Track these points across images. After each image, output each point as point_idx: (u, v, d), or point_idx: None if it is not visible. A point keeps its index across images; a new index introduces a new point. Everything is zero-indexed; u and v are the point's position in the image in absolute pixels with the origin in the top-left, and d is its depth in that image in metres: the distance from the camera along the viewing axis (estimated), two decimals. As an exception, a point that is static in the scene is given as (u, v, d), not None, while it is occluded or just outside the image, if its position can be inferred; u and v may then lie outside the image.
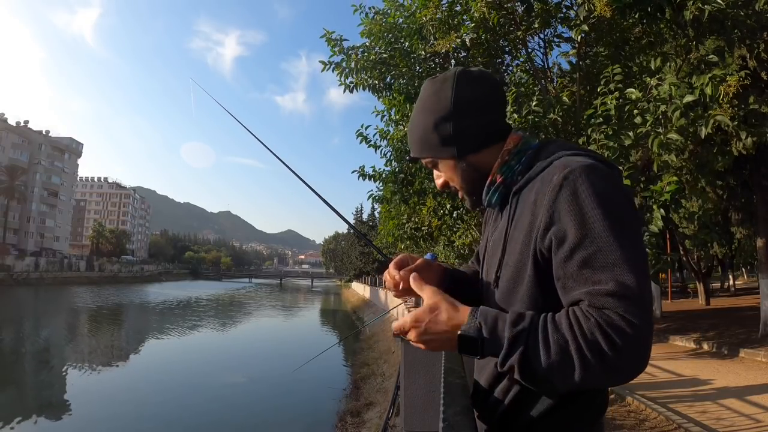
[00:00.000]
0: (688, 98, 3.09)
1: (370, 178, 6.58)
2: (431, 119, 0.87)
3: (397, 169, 6.32)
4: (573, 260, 0.68)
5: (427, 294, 0.76)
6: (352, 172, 6.60)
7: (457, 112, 0.85)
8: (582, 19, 4.06)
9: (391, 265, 0.94)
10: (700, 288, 17.34)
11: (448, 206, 6.88)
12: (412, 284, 0.83)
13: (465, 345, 0.70)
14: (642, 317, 0.63)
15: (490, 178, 0.87)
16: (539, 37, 5.39)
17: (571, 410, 0.78)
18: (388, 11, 5.66)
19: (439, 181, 0.95)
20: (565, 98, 4.41)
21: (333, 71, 5.48)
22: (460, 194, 0.95)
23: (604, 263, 0.66)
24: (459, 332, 0.70)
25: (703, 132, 3.11)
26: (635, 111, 3.36)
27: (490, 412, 0.85)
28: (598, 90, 3.65)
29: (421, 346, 0.75)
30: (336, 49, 5.41)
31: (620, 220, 0.68)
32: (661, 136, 3.09)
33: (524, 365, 0.65)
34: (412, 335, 0.74)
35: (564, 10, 4.85)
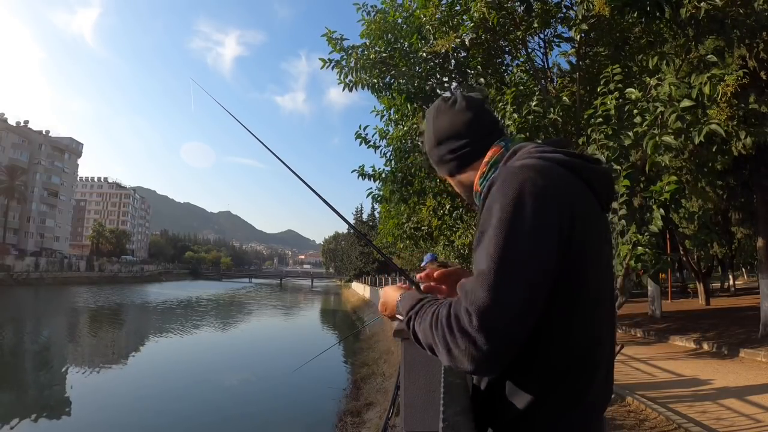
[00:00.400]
0: (686, 103, 3.09)
1: (369, 178, 6.57)
2: (428, 146, 1.05)
3: (396, 169, 6.30)
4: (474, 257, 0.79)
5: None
6: (352, 172, 6.60)
7: (438, 141, 1.01)
8: (581, 18, 4.06)
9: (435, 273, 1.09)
10: (700, 288, 17.35)
11: (447, 206, 6.88)
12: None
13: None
14: (485, 317, 0.69)
15: (474, 189, 0.99)
16: (539, 37, 5.40)
17: (551, 406, 0.78)
18: (388, 10, 5.66)
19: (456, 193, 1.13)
20: (565, 98, 4.41)
21: (333, 69, 5.48)
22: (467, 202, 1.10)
23: (479, 266, 0.74)
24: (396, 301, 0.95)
25: (696, 139, 3.11)
26: (635, 111, 3.36)
27: (482, 406, 0.87)
28: (598, 90, 3.65)
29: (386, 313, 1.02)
30: (337, 48, 5.41)
31: (511, 226, 0.72)
32: (656, 138, 3.09)
33: (411, 331, 0.85)
34: (382, 307, 1.03)
35: (564, 10, 4.85)
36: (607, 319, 0.84)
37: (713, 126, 3.09)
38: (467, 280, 0.75)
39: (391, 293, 1.01)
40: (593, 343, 0.80)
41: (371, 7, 5.77)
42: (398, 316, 0.93)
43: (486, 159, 0.94)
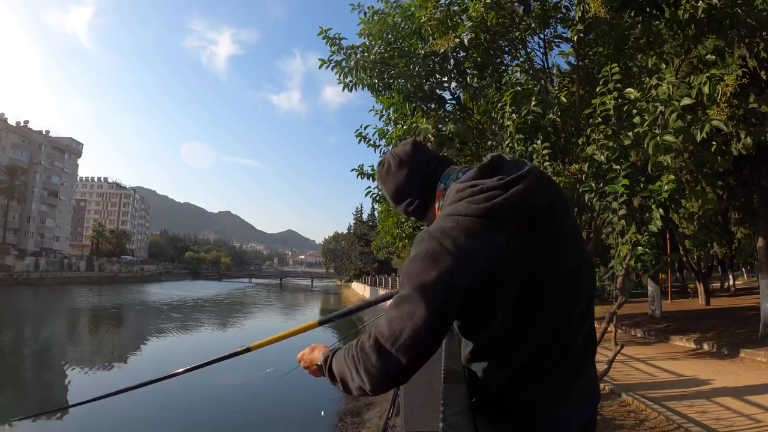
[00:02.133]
0: (686, 101, 3.08)
1: (369, 177, 6.58)
2: (392, 204, 1.20)
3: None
4: None
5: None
6: (351, 171, 6.60)
7: (395, 203, 1.16)
8: (578, 19, 4.06)
9: None
10: (700, 288, 17.34)
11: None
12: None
13: (320, 369, 1.07)
14: (383, 353, 0.87)
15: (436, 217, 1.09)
16: (539, 37, 5.39)
17: (510, 423, 0.95)
18: (387, 11, 5.65)
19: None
20: (563, 98, 4.41)
21: (332, 70, 5.47)
22: None
23: (390, 308, 0.91)
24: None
25: (698, 136, 3.10)
26: (634, 111, 3.36)
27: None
28: (597, 90, 3.64)
29: (306, 371, 1.14)
30: (335, 48, 5.40)
31: (414, 282, 0.87)
32: (657, 138, 3.08)
33: (329, 372, 1.01)
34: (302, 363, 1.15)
35: (563, 11, 4.85)
36: (561, 315, 0.93)
37: (715, 122, 3.09)
38: (377, 327, 0.91)
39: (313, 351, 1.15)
40: (542, 339, 0.92)
41: (368, 8, 5.77)
42: (316, 362, 1.08)
43: (436, 207, 1.06)
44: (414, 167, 1.10)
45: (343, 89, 5.64)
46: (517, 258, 0.88)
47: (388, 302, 1.01)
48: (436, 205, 1.06)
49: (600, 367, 4.68)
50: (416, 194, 1.11)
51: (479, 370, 0.97)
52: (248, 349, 1.47)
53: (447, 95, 5.79)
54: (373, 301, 1.40)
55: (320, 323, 1.50)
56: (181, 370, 1.53)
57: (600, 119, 3.49)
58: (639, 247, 3.17)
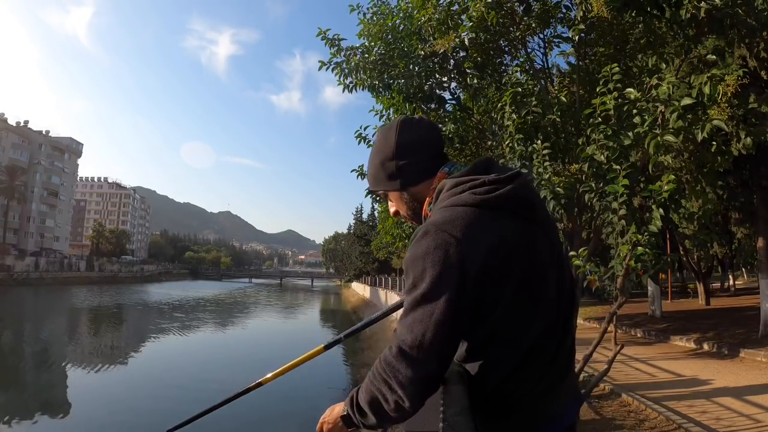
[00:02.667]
0: (686, 101, 3.08)
1: (369, 178, 6.57)
2: (380, 159, 1.08)
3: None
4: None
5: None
6: (351, 171, 6.60)
7: (398, 153, 1.05)
8: (579, 19, 4.06)
9: None
10: (700, 288, 17.34)
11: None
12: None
13: (346, 421, 0.98)
14: (411, 360, 0.84)
15: (423, 213, 1.06)
16: (539, 37, 5.39)
17: (507, 421, 0.93)
18: (385, 13, 5.65)
19: (391, 210, 1.15)
20: (563, 98, 4.41)
21: (332, 71, 5.47)
22: (408, 221, 1.14)
23: (404, 314, 0.89)
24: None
25: (700, 136, 3.11)
26: (634, 111, 3.35)
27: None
28: (597, 90, 3.64)
29: None
30: (334, 49, 5.40)
31: (426, 278, 0.85)
32: (658, 138, 3.08)
33: (358, 410, 0.94)
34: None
35: (564, 11, 4.85)
36: (553, 309, 0.95)
37: (716, 122, 3.08)
38: (396, 336, 0.89)
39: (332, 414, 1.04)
40: (536, 336, 0.93)
41: (367, 8, 5.76)
42: (341, 414, 0.99)
43: (434, 184, 1.03)
44: (439, 137, 1.10)
45: (343, 90, 5.64)
46: (519, 249, 0.90)
47: (399, 311, 0.98)
48: (434, 186, 1.03)
49: (600, 367, 4.69)
50: (430, 157, 1.06)
51: (474, 369, 0.95)
52: (260, 384, 1.43)
53: (447, 95, 5.78)
54: (381, 314, 1.30)
55: (326, 347, 1.41)
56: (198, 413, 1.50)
57: (600, 119, 3.49)
58: (639, 247, 3.17)
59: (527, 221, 0.94)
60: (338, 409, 1.01)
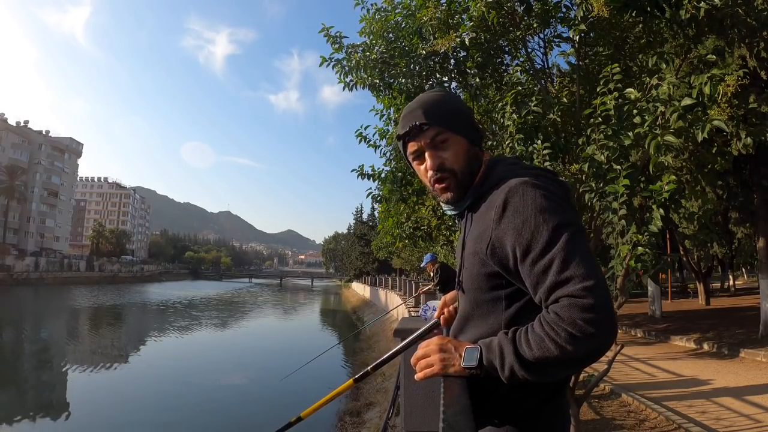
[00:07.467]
0: (687, 101, 3.08)
1: (369, 178, 6.57)
2: (466, 109, 1.05)
3: (395, 169, 6.30)
4: (531, 267, 0.83)
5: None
6: (351, 171, 6.59)
7: (469, 112, 1.05)
8: (580, 19, 4.06)
9: (449, 299, 1.21)
10: (700, 288, 17.34)
11: (447, 206, 6.85)
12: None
13: (469, 356, 0.87)
14: (597, 296, 0.75)
15: (478, 180, 1.01)
16: (539, 37, 5.39)
17: (523, 391, 0.89)
18: (388, 9, 5.64)
19: (434, 162, 0.99)
20: (563, 98, 4.41)
21: (333, 68, 5.46)
22: (444, 185, 1.01)
23: (555, 265, 0.79)
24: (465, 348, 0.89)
25: (700, 136, 3.11)
26: (634, 111, 3.35)
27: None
28: (597, 90, 3.64)
29: (437, 369, 0.90)
30: (336, 46, 5.40)
31: (557, 224, 0.82)
32: (659, 138, 3.08)
33: (520, 361, 0.80)
34: (436, 359, 0.91)
35: (564, 10, 4.84)
36: None
37: (716, 122, 3.08)
38: (560, 285, 0.79)
39: (441, 347, 0.92)
40: None
41: (371, 4, 5.76)
42: (467, 367, 0.87)
43: (486, 159, 1.04)
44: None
45: (344, 89, 5.63)
46: None
47: (424, 341, 0.95)
48: (486, 158, 1.05)
49: (600, 367, 4.69)
50: (476, 126, 1.07)
51: None
52: (300, 419, 1.42)
53: (447, 95, 5.77)
54: (411, 340, 1.19)
55: (356, 381, 1.27)
56: None
57: (600, 119, 3.49)
58: (639, 247, 3.17)
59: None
60: (453, 348, 0.90)
